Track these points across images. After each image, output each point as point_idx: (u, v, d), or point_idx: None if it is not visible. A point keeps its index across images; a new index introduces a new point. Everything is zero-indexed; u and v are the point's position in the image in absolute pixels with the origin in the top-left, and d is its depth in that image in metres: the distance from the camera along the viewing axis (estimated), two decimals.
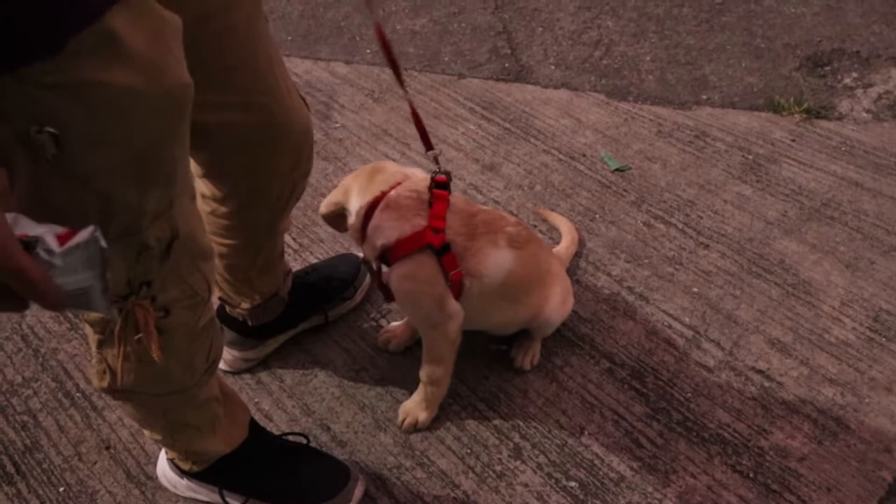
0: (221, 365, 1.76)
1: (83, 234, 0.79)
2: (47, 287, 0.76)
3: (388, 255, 1.48)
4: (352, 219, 1.54)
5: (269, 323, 1.74)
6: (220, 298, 1.69)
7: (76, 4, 0.77)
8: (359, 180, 1.55)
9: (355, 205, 1.53)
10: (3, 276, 0.73)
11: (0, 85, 0.77)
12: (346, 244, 2.08)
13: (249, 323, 1.71)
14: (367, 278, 1.93)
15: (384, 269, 1.52)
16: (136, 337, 1.07)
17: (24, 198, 0.88)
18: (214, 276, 1.21)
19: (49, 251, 0.77)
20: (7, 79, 0.76)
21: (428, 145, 1.48)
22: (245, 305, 1.67)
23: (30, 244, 0.76)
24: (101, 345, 1.16)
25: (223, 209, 1.45)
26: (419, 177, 1.53)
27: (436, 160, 1.48)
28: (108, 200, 0.92)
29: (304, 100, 1.41)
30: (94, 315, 1.12)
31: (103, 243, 0.79)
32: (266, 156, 1.36)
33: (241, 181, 1.40)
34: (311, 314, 1.83)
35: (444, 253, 1.45)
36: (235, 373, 1.78)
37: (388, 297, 1.56)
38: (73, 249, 0.78)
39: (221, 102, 1.21)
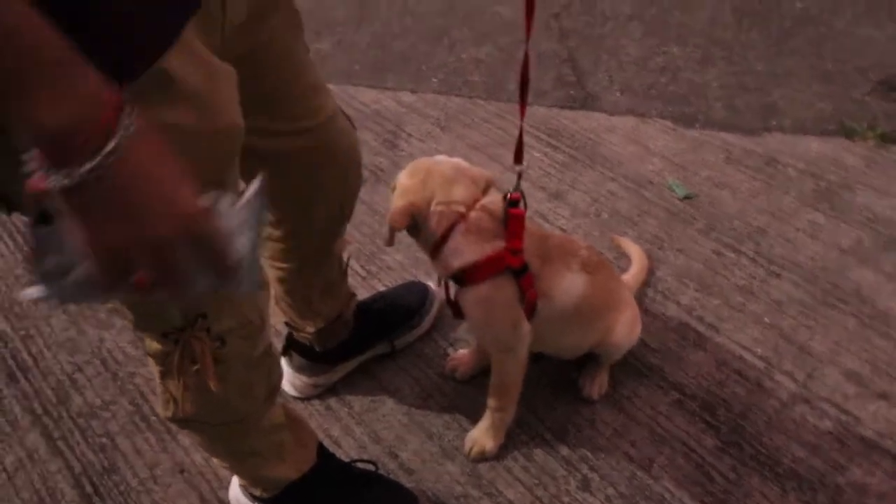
0: (291, 391, 1.80)
1: (254, 186, 0.78)
2: (229, 249, 0.75)
3: (465, 276, 1.46)
4: (425, 234, 1.47)
5: (335, 348, 1.76)
6: (286, 324, 1.73)
7: (132, 49, 0.78)
8: (428, 186, 1.46)
9: (432, 219, 1.45)
10: (196, 242, 0.72)
11: None
12: (414, 272, 2.10)
13: (316, 348, 1.74)
14: (435, 307, 1.95)
15: (452, 286, 1.52)
16: (193, 368, 1.10)
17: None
18: (268, 305, 1.24)
19: (227, 210, 0.75)
20: None
21: (518, 159, 1.46)
22: (310, 329, 1.70)
23: (212, 205, 0.75)
24: (163, 376, 1.20)
25: (277, 233, 1.48)
26: (492, 197, 1.51)
27: (519, 176, 1.47)
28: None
29: (349, 120, 1.42)
30: (155, 347, 1.14)
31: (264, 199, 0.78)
32: (313, 178, 1.37)
33: (290, 205, 1.41)
34: (377, 342, 1.86)
35: (522, 274, 1.46)
36: (305, 399, 1.81)
37: (458, 314, 1.56)
38: (248, 203, 0.77)
39: (269, 129, 1.23)
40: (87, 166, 0.65)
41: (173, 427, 1.79)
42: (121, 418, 1.83)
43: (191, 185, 0.73)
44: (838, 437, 1.63)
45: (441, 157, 1.53)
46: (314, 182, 1.38)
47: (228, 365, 1.15)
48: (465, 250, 1.44)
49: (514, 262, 1.44)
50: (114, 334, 2.02)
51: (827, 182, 2.26)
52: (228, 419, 1.28)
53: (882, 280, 1.95)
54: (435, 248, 1.47)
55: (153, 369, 1.22)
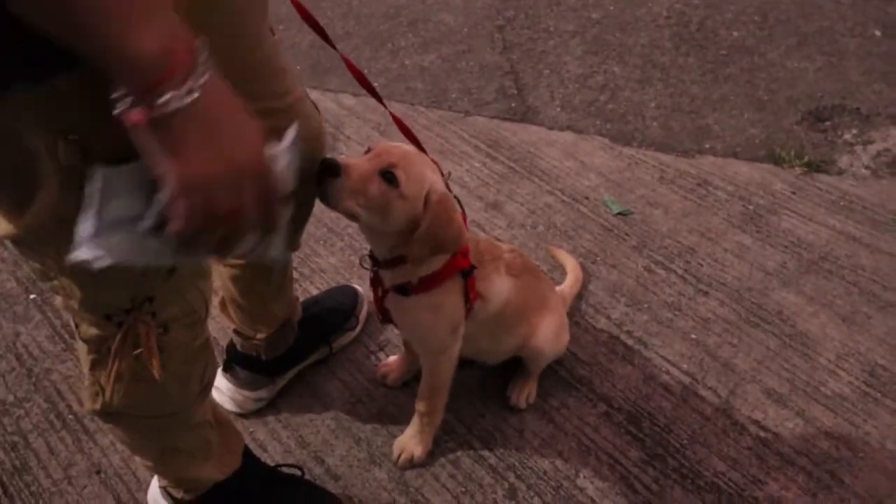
0: (232, 407, 1.75)
1: (292, 131, 0.84)
2: (282, 188, 0.81)
3: (421, 285, 1.41)
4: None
5: (280, 357, 1.73)
6: (234, 332, 1.69)
7: None
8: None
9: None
10: (261, 177, 0.77)
11: (33, 97, 0.78)
12: (347, 275, 2.08)
13: (263, 357, 1.70)
14: (365, 308, 1.94)
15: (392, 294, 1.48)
16: (134, 353, 1.07)
17: (46, 209, 0.88)
18: (211, 296, 1.21)
19: (274, 155, 0.81)
20: (39, 91, 0.78)
21: (423, 150, 1.42)
22: (261, 335, 1.67)
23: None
24: (94, 365, 1.16)
25: None
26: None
27: (447, 178, 1.45)
28: None
29: (316, 107, 1.41)
30: (91, 332, 1.11)
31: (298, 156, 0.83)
32: None
33: None
34: (317, 346, 1.84)
35: (469, 276, 1.45)
36: (245, 416, 1.76)
37: (387, 320, 1.54)
38: (291, 147, 0.83)
39: None
40: (184, 90, 0.71)
41: (90, 426, 1.73)
42: (35, 416, 1.76)
43: (257, 131, 0.79)
44: (757, 453, 1.68)
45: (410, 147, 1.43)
46: None
47: (169, 354, 1.12)
48: (432, 259, 1.39)
49: (464, 263, 1.44)
50: (30, 328, 1.95)
51: (755, 206, 2.33)
52: (159, 412, 1.24)
53: (803, 302, 2.01)
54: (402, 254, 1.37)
55: (82, 359, 1.18)
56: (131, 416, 1.23)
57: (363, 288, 1.95)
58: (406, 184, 1.28)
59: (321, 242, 2.19)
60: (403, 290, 1.43)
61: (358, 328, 1.92)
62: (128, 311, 1.04)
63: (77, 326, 1.12)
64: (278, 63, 1.29)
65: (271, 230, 0.85)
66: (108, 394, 1.16)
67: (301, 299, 1.90)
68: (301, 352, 1.80)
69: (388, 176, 1.28)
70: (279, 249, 0.86)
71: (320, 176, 1.28)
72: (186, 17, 0.93)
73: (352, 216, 1.31)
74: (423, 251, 1.33)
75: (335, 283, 2.05)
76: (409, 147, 1.38)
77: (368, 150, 1.35)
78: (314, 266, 2.12)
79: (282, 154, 0.82)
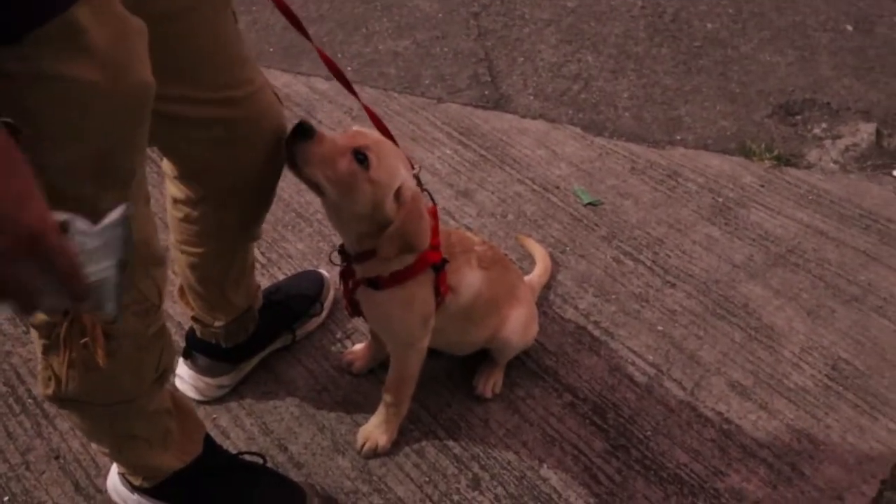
0: (194, 394, 1.72)
1: (117, 212, 0.77)
2: (78, 272, 0.73)
3: (391, 279, 1.41)
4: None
5: (241, 344, 1.70)
6: (192, 318, 1.66)
7: None
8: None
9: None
10: (40, 259, 0.70)
11: None
12: (315, 261, 2.06)
13: (223, 344, 1.67)
14: (331, 294, 1.92)
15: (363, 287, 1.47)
16: (81, 341, 1.06)
17: None
18: (166, 284, 1.19)
19: (83, 231, 0.75)
20: None
21: (393, 142, 1.42)
22: (219, 323, 1.64)
23: (64, 225, 0.74)
24: (46, 350, 1.14)
25: (195, 213, 1.42)
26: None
27: (418, 174, 1.45)
28: (62, 196, 0.90)
29: (277, 96, 1.39)
30: (40, 318, 1.09)
31: (130, 227, 0.77)
32: (240, 152, 1.33)
33: (216, 180, 1.36)
34: (279, 333, 1.81)
35: (441, 269, 1.44)
36: (208, 402, 1.74)
37: (356, 313, 1.54)
38: (107, 228, 0.76)
39: (195, 97, 1.19)
40: None
41: (50, 411, 1.70)
42: None
43: (40, 201, 0.71)
44: (720, 445, 1.69)
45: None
46: (241, 156, 1.33)
47: (119, 342, 1.11)
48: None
49: (435, 257, 1.43)
50: None
51: (724, 198, 2.34)
52: (113, 400, 1.22)
53: (769, 295, 2.03)
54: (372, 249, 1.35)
55: (35, 344, 1.16)
56: (84, 403, 1.21)
57: (330, 274, 1.94)
58: (376, 168, 1.28)
59: (289, 227, 2.17)
60: (374, 283, 1.42)
61: (323, 314, 1.90)
62: None
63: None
64: (239, 52, 1.27)
65: (76, 301, 0.77)
66: (61, 381, 1.14)
67: (266, 285, 1.88)
68: (263, 339, 1.77)
69: (359, 156, 1.27)
70: (110, 308, 0.80)
71: (292, 139, 1.26)
72: (139, 7, 0.92)
73: (316, 188, 1.30)
74: (393, 249, 1.33)
75: (302, 269, 2.03)
76: (386, 139, 1.37)
77: None
78: (281, 251, 2.10)
79: (94, 234, 0.76)
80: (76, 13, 0.79)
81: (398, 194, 1.30)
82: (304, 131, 1.26)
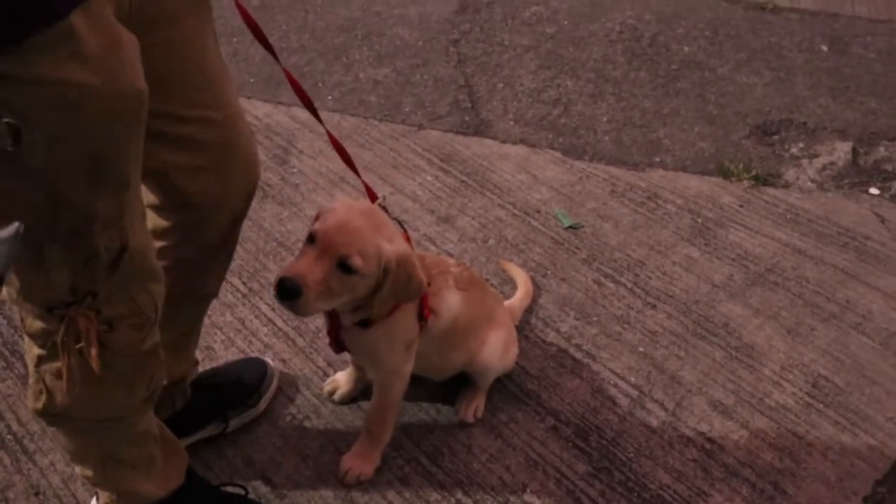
0: None
1: (8, 230, 0.80)
2: None
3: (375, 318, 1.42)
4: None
5: (166, 420, 1.49)
6: None
7: (41, 2, 0.81)
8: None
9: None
10: None
11: None
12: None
13: None
14: (273, 386, 1.78)
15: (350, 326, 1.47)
16: (77, 346, 1.06)
17: None
18: (163, 300, 1.19)
19: None
20: None
21: (355, 171, 1.48)
22: None
23: None
24: (40, 361, 1.14)
25: (160, 243, 1.35)
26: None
27: (383, 202, 1.46)
28: (58, 197, 0.94)
29: (251, 131, 1.40)
30: (37, 326, 1.11)
31: (19, 246, 0.80)
32: (218, 180, 1.31)
33: (189, 209, 1.33)
34: (210, 420, 1.68)
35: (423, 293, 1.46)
36: None
37: (341, 349, 1.55)
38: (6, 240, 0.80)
39: (174, 114, 1.19)
40: None
41: (30, 446, 1.69)
42: None
43: None
44: (702, 465, 1.69)
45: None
46: (218, 185, 1.31)
47: (114, 352, 1.11)
48: None
49: None
50: None
51: (703, 219, 2.36)
52: (103, 416, 1.22)
53: (749, 314, 2.04)
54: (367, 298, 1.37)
55: (28, 356, 1.16)
56: (74, 418, 1.21)
57: (274, 362, 1.84)
58: (364, 265, 1.30)
59: (270, 257, 2.18)
60: (363, 322, 1.44)
61: (262, 406, 1.75)
62: (69, 304, 1.04)
63: (23, 321, 1.12)
64: (219, 71, 1.28)
65: None
66: (53, 394, 1.14)
67: (245, 316, 1.87)
68: (191, 422, 1.64)
69: (345, 267, 1.28)
70: None
71: (282, 295, 1.28)
72: (127, 17, 0.95)
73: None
74: (387, 308, 1.39)
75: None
76: (352, 212, 1.35)
77: (317, 217, 1.35)
78: (263, 281, 2.10)
79: None
80: (73, 20, 0.83)
81: (384, 265, 1.32)
82: (290, 291, 1.27)
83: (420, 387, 1.77)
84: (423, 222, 2.30)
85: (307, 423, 1.76)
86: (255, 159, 1.39)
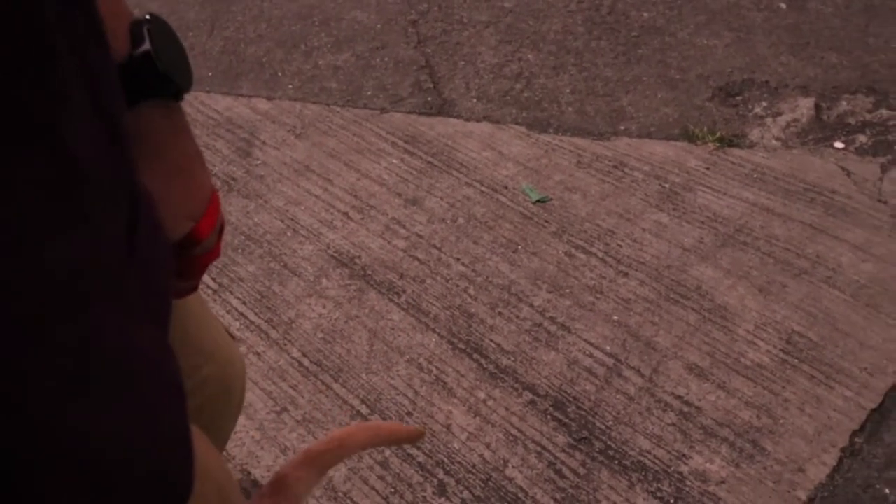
0: None
1: None
2: None
3: None
4: None
5: None
6: None
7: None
8: None
9: None
10: None
11: None
12: (265, 282, 2.05)
13: None
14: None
15: None
16: None
17: None
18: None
19: None
20: None
21: None
22: None
23: None
24: None
25: None
26: None
27: None
28: None
29: (232, 336, 1.30)
30: None
31: None
32: (216, 427, 1.22)
33: None
34: None
35: None
36: None
37: None
38: None
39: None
40: None
41: None
42: None
43: None
44: (681, 428, 1.70)
45: None
46: (217, 430, 1.23)
47: None
48: None
49: None
50: None
51: (671, 184, 2.36)
52: None
53: (720, 275, 2.05)
54: None
55: None
56: None
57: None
58: None
59: (239, 251, 2.15)
60: None
61: None
62: None
63: None
64: (197, 323, 1.09)
65: None
66: None
67: (217, 311, 1.86)
68: None
69: None
70: None
71: None
72: None
73: None
74: None
75: (255, 292, 2.01)
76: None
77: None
78: (233, 275, 2.08)
79: None
80: None
81: None
82: None
83: (397, 369, 1.77)
84: (391, 206, 2.28)
85: (285, 415, 1.75)
86: (243, 384, 1.29)
